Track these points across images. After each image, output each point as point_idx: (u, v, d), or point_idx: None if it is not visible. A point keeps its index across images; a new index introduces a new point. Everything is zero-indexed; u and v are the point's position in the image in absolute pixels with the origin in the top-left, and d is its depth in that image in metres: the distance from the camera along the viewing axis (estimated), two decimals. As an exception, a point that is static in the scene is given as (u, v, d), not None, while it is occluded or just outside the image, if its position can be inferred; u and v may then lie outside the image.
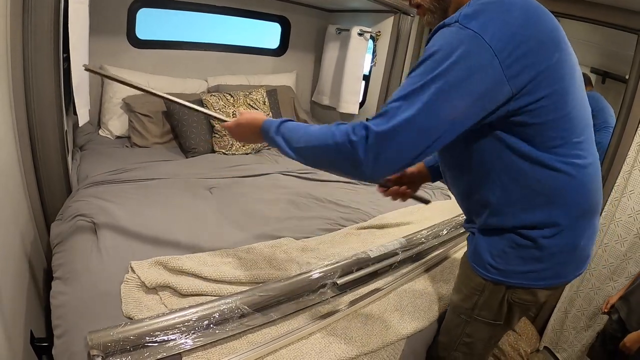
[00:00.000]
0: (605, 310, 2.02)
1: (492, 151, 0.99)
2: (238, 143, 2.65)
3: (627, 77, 2.08)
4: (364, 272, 1.47)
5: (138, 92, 2.66)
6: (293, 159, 1.07)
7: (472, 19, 0.86)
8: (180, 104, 1.33)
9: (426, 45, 0.93)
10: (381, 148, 0.89)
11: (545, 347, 2.41)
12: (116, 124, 2.65)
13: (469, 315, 1.21)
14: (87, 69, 1.36)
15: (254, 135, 1.18)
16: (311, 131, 1.05)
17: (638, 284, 1.89)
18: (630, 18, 2.00)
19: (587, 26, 2.19)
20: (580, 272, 1.12)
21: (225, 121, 1.27)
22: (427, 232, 1.76)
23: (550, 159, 0.97)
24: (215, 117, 1.36)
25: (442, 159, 1.20)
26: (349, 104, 3.39)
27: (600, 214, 1.16)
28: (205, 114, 1.37)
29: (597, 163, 1.08)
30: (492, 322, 1.18)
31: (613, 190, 2.08)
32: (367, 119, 0.95)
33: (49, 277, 1.73)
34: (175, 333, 1.08)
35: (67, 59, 1.78)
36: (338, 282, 1.39)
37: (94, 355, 1.00)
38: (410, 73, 0.92)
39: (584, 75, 2.44)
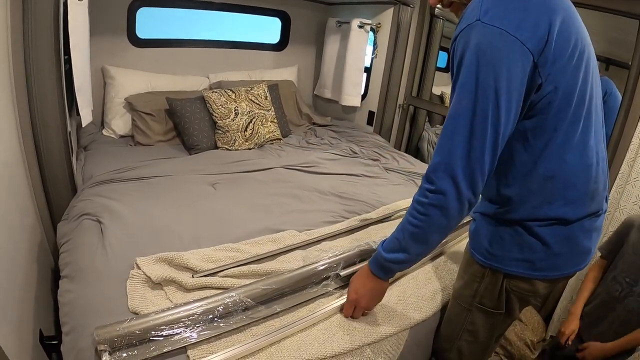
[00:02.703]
0: (568, 344, 1.84)
1: (505, 150, 1.00)
2: (241, 139, 2.66)
3: (630, 63, 2.06)
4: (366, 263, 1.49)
5: (140, 91, 2.69)
6: (419, 257, 1.15)
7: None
8: None
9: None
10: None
11: (551, 337, 2.41)
12: (119, 123, 2.67)
13: (470, 303, 1.22)
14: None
15: (370, 280, 1.21)
16: (402, 224, 1.09)
17: (593, 305, 1.81)
18: (631, 3, 1.99)
19: (589, 13, 2.17)
20: (580, 267, 1.11)
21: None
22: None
23: (558, 155, 0.99)
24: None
25: None
26: (351, 96, 3.39)
27: (605, 212, 1.15)
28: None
29: (603, 163, 1.09)
30: (493, 310, 1.19)
31: (617, 177, 2.07)
32: None
33: (56, 276, 1.75)
34: (180, 327, 1.09)
35: (68, 60, 1.80)
36: (341, 273, 1.40)
37: (101, 350, 1.02)
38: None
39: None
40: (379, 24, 3.20)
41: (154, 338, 1.07)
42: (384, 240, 1.15)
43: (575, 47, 0.92)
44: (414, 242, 1.07)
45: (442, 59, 3.57)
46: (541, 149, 0.98)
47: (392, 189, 2.31)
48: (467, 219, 1.34)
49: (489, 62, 0.87)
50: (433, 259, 1.68)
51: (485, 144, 0.91)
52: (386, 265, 1.14)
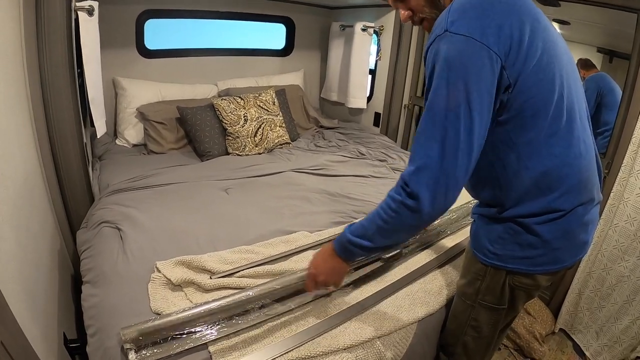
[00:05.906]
0: None
1: (491, 154, 1.04)
2: (251, 144, 2.73)
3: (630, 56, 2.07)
4: (375, 257, 1.55)
5: (151, 101, 2.75)
6: (382, 249, 1.19)
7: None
8: None
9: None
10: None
11: (560, 329, 2.43)
12: (132, 132, 2.74)
13: (473, 300, 1.25)
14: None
15: (332, 259, 1.20)
16: (372, 215, 1.10)
17: None
18: (627, -2, 2.00)
19: (590, 7, 2.19)
20: (579, 257, 1.15)
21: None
22: (437, 220, 1.81)
23: (546, 149, 1.01)
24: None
25: None
26: (357, 98, 3.45)
27: (599, 203, 1.18)
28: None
29: (591, 151, 1.11)
30: (496, 306, 1.21)
31: (620, 170, 2.08)
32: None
33: (75, 282, 1.83)
34: (201, 325, 1.16)
35: (81, 74, 1.85)
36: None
37: (127, 348, 1.08)
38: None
39: (586, 59, 2.43)
40: (382, 26, 3.25)
41: (177, 336, 1.14)
42: (352, 224, 1.16)
43: (544, 48, 0.95)
44: (380, 235, 1.08)
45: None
46: (526, 147, 1.01)
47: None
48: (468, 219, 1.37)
49: (458, 68, 0.89)
50: (439, 255, 1.72)
51: (459, 147, 0.92)
52: (350, 248, 1.14)
